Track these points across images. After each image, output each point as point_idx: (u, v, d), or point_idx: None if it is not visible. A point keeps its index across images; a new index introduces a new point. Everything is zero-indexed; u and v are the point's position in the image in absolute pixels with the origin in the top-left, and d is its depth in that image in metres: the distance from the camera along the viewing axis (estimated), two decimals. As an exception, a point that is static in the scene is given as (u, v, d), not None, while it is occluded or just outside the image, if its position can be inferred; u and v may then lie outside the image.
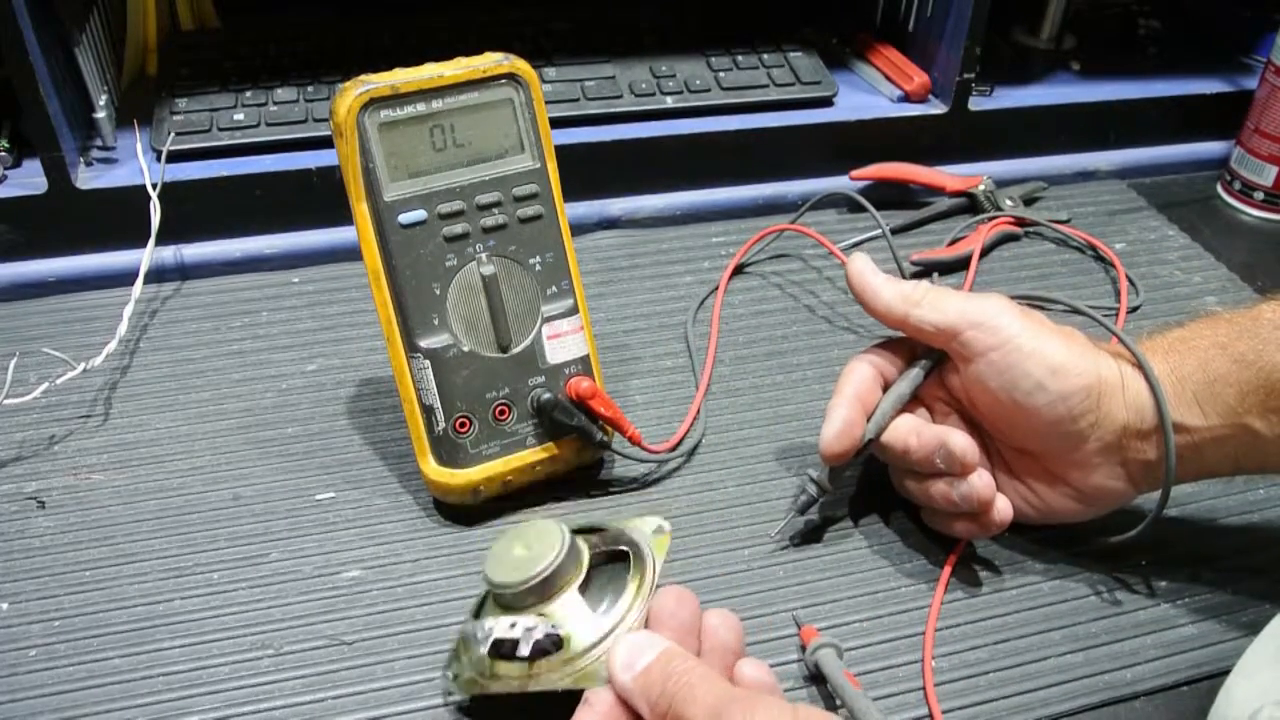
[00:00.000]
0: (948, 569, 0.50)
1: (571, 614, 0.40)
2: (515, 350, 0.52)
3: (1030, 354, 0.45)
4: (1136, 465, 0.46)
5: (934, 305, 0.48)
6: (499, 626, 0.41)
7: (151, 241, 0.64)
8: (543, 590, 0.41)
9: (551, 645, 0.40)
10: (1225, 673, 0.39)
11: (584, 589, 0.41)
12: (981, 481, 0.47)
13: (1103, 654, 0.47)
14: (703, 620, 0.41)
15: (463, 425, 0.51)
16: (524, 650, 0.40)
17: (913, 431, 0.49)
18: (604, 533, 0.45)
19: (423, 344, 0.50)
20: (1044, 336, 0.46)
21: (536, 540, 0.41)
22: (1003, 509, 0.48)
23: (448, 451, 0.51)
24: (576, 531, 0.43)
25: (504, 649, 0.41)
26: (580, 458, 0.54)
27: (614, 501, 0.54)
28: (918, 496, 0.51)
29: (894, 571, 0.50)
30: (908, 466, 0.50)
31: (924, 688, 0.45)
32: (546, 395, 0.52)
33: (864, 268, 0.50)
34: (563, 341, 0.53)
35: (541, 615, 0.41)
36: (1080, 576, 0.50)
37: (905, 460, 0.49)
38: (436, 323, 0.50)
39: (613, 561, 0.43)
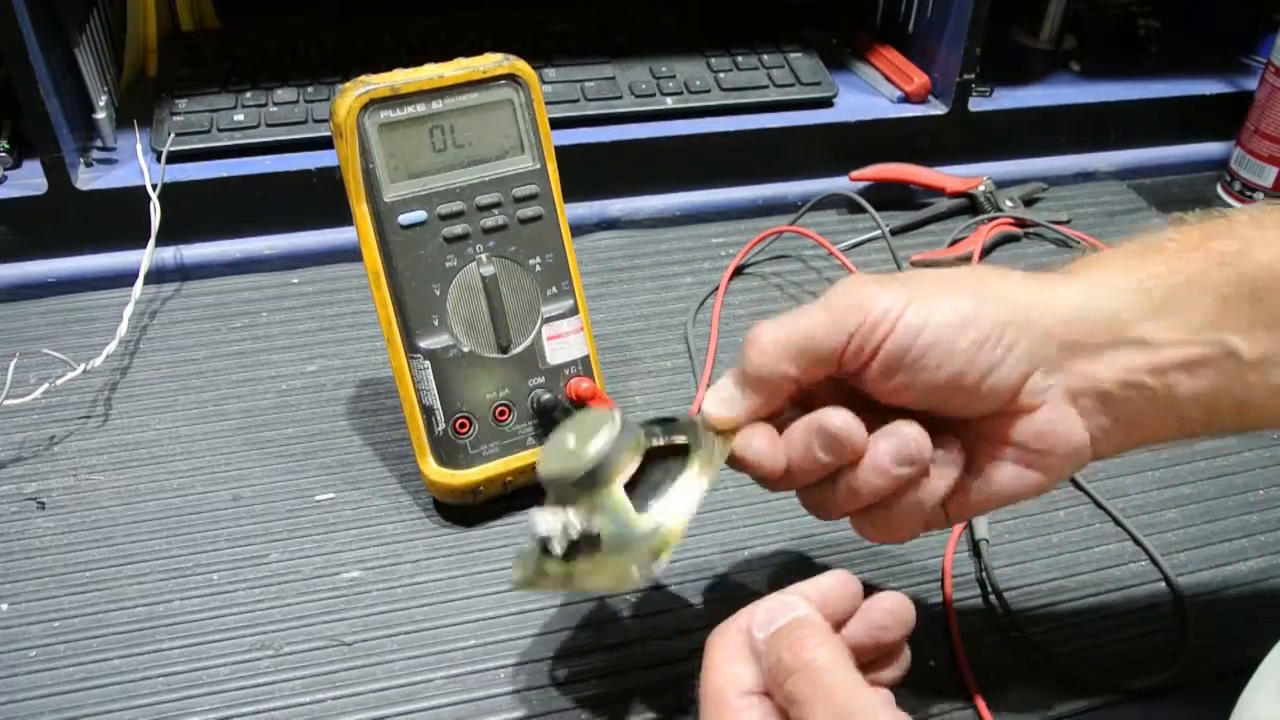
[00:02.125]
0: (948, 559, 0.50)
1: (613, 510, 0.38)
2: (515, 351, 0.52)
3: (924, 325, 0.36)
4: (1089, 399, 0.37)
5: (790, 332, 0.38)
6: (542, 522, 0.39)
7: (151, 242, 0.64)
8: (589, 483, 0.38)
9: (586, 544, 0.38)
10: (1233, 672, 0.39)
11: (636, 484, 0.39)
12: (903, 438, 0.37)
13: (1110, 652, 0.47)
14: (868, 602, 0.38)
15: (463, 426, 0.51)
16: (556, 549, 0.38)
17: (771, 446, 0.39)
18: (675, 423, 0.41)
19: (423, 344, 0.50)
20: (929, 298, 0.37)
21: (587, 431, 0.39)
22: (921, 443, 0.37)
23: (448, 452, 0.51)
24: (649, 424, 0.41)
25: (549, 545, 0.39)
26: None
27: (614, 502, 0.54)
28: (830, 508, 0.40)
29: (900, 568, 0.50)
30: (790, 487, 0.41)
31: (965, 686, 0.45)
32: (547, 396, 0.52)
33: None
34: (563, 342, 0.53)
35: (584, 510, 0.39)
36: (1084, 576, 0.50)
37: (786, 482, 0.40)
38: (436, 323, 0.50)
39: (677, 455, 0.40)
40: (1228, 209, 0.38)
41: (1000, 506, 0.40)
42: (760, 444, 0.39)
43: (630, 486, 0.39)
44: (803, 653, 0.33)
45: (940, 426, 0.38)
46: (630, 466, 0.39)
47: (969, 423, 0.39)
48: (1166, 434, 0.39)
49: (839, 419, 0.37)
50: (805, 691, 0.33)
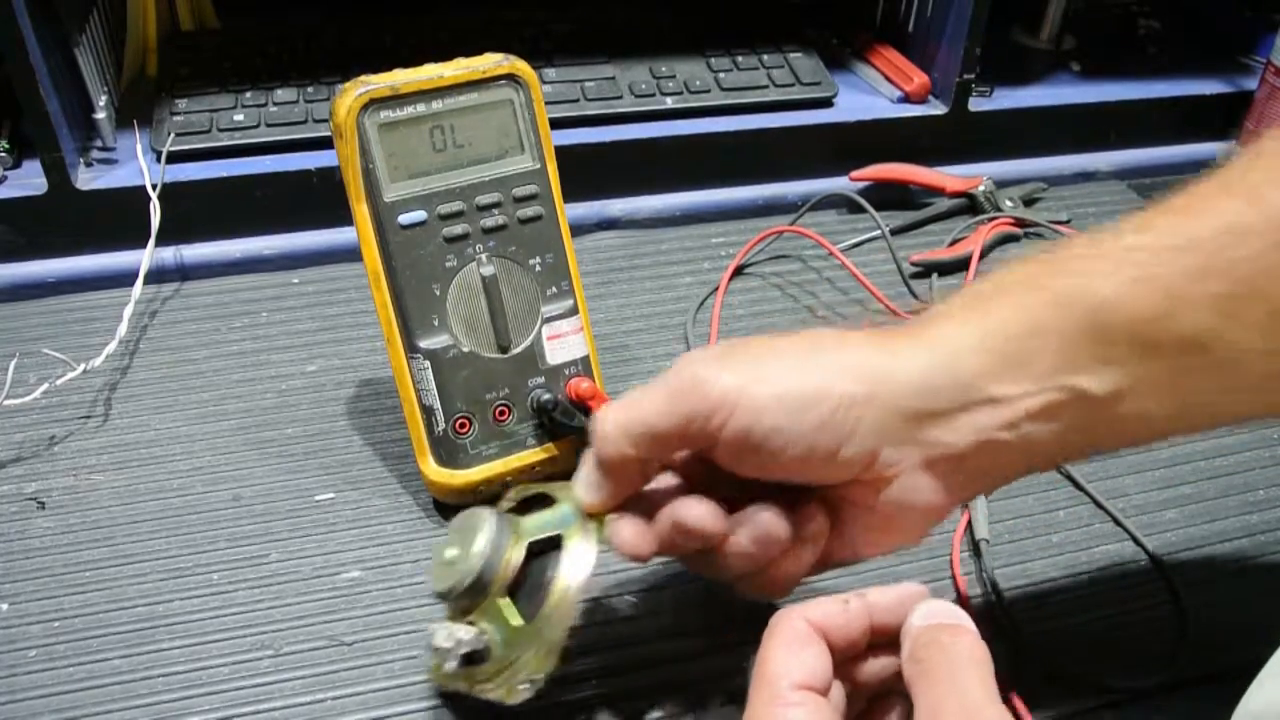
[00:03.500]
0: (956, 556, 0.50)
1: (499, 620, 0.40)
2: (515, 351, 0.52)
3: (764, 407, 0.37)
4: (944, 463, 0.38)
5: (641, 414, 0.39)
6: (437, 635, 0.40)
7: (151, 242, 0.64)
8: (471, 595, 0.40)
9: (478, 657, 0.40)
10: (1233, 672, 0.39)
11: (518, 586, 0.40)
12: (759, 525, 0.39)
13: (1110, 653, 0.47)
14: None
15: (462, 426, 0.51)
16: (450, 665, 0.40)
17: (637, 535, 0.40)
18: (550, 501, 0.42)
19: (423, 344, 0.50)
20: (770, 377, 0.37)
21: (465, 538, 0.40)
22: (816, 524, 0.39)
23: (448, 452, 0.51)
24: (530, 501, 0.43)
25: (446, 659, 0.41)
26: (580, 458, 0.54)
27: (614, 502, 0.54)
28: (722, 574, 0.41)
29: (903, 568, 0.50)
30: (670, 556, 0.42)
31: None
32: (546, 396, 0.52)
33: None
34: (563, 342, 0.53)
35: (472, 622, 0.40)
36: (1084, 576, 0.50)
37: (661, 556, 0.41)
38: (436, 323, 0.50)
39: (555, 549, 0.41)
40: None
41: (863, 561, 0.42)
42: (627, 533, 0.40)
43: (518, 585, 0.40)
44: (961, 643, 0.33)
45: (806, 494, 0.40)
46: (511, 569, 0.40)
47: (831, 487, 0.40)
48: (1017, 474, 0.40)
49: (695, 512, 0.39)
50: (944, 673, 0.32)
